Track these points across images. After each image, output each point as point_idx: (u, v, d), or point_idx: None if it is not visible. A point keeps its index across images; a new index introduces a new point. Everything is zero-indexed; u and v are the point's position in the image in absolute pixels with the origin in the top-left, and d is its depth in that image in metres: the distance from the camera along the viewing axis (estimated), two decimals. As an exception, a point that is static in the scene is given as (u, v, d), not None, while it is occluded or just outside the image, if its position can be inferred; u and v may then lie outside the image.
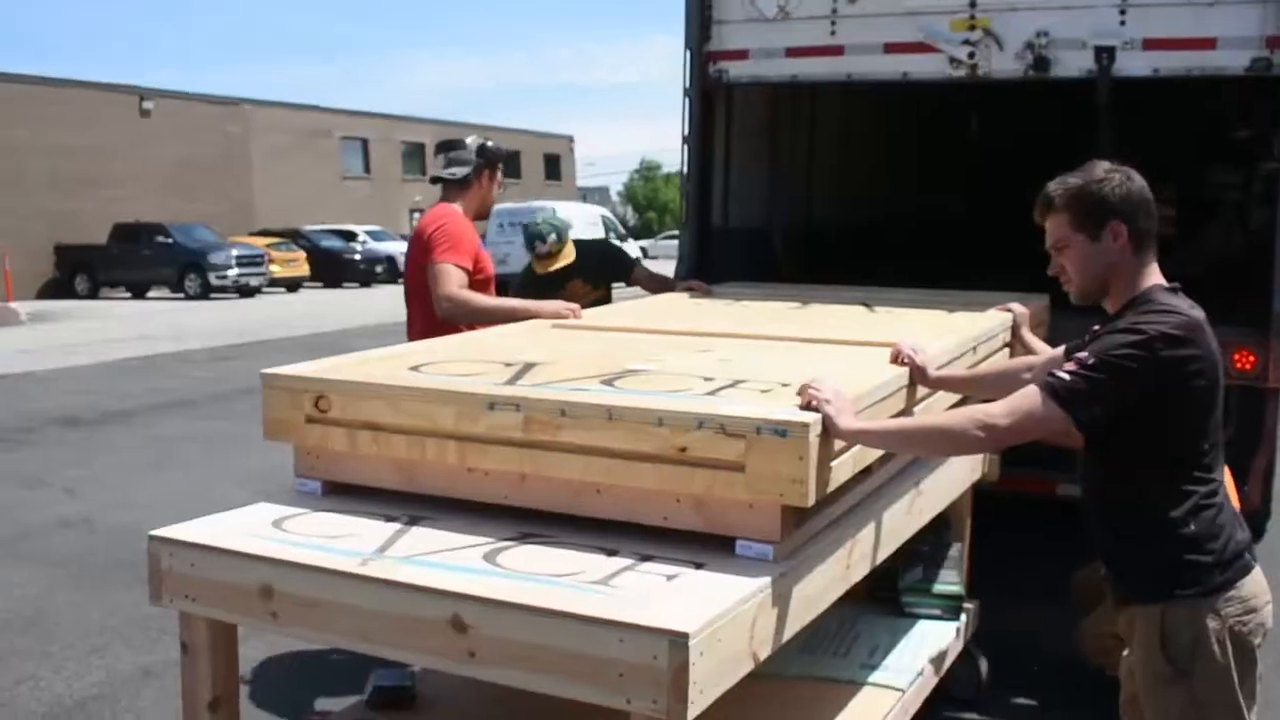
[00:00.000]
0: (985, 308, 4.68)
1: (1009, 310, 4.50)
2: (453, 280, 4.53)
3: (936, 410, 3.61)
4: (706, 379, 3.10)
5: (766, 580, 2.47)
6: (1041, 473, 5.13)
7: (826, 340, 3.97)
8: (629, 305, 5.23)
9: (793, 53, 6.09)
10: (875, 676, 3.80)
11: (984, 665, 4.54)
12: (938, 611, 4.25)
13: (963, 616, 4.28)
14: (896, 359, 3.36)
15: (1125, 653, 2.84)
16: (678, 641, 2.15)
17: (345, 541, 2.74)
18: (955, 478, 3.97)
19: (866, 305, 5.03)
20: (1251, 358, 5.18)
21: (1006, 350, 4.47)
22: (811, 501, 2.54)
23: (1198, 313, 2.72)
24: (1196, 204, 9.98)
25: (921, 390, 3.42)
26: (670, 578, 2.48)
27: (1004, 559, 5.24)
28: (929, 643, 4.07)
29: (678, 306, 5.16)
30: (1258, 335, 5.19)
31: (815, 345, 3.89)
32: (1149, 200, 2.79)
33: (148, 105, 37.30)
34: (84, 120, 34.91)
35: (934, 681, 3.95)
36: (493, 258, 20.79)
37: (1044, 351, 4.02)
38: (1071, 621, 4.29)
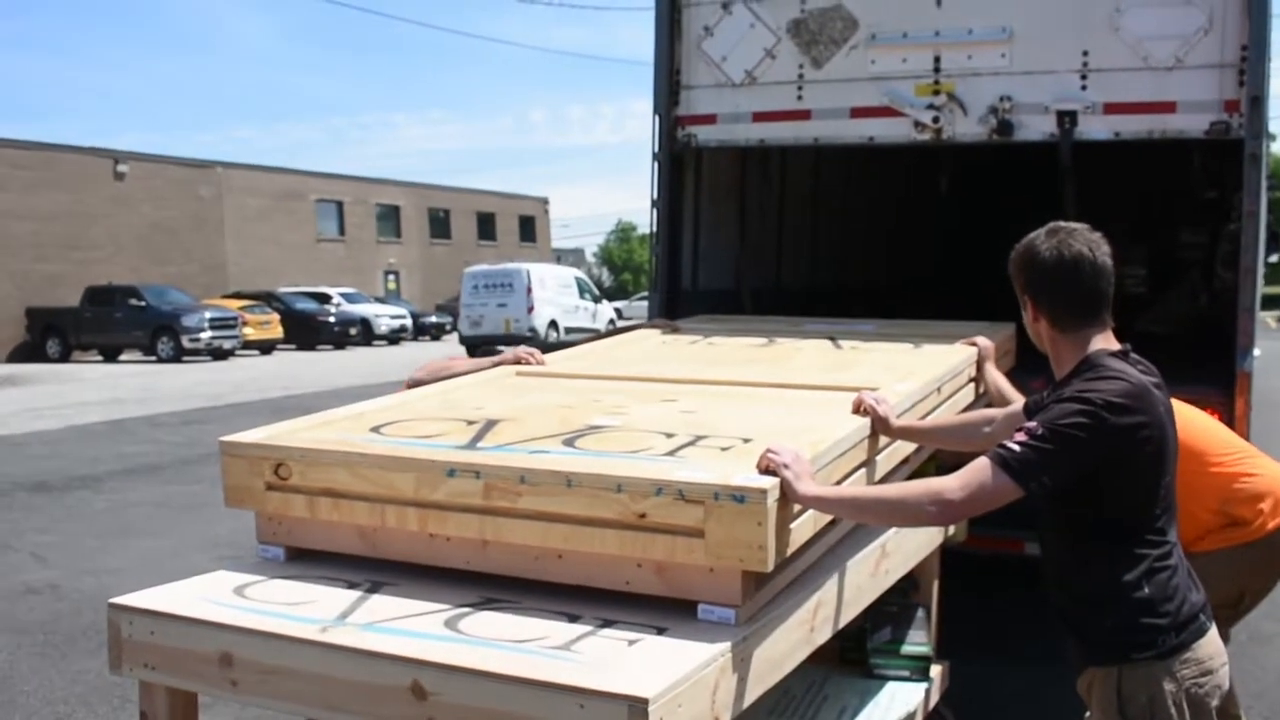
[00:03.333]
0: (951, 339, 4.70)
1: (974, 344, 4.53)
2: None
3: (898, 456, 3.63)
4: (668, 435, 3.11)
5: (727, 645, 2.46)
6: (1009, 532, 5.14)
7: (790, 385, 3.98)
8: (595, 348, 5.23)
9: (760, 117, 6.17)
10: (844, 740, 3.77)
11: (954, 727, 4.52)
12: (907, 672, 4.22)
13: (932, 677, 4.26)
14: (859, 409, 3.38)
15: (1087, 715, 2.84)
16: (637, 707, 2.15)
17: (306, 608, 2.73)
18: (922, 538, 3.96)
19: (832, 340, 5.05)
20: (1215, 415, 5.21)
21: (971, 386, 4.49)
22: (771, 567, 2.54)
23: (1146, 377, 2.73)
24: (1167, 264, 10.09)
25: (884, 440, 3.44)
26: (632, 643, 2.47)
27: (973, 619, 5.23)
28: (898, 704, 4.03)
29: (644, 348, 5.16)
30: (1222, 394, 5.23)
31: (779, 391, 3.90)
32: (1073, 270, 2.76)
33: (122, 168, 37.33)
34: (57, 183, 34.91)
35: (903, 744, 3.93)
36: (467, 319, 21.18)
37: (1007, 392, 4.06)
38: (1040, 681, 4.29)
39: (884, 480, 3.51)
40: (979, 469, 2.61)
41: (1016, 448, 2.59)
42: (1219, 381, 5.25)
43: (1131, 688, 2.68)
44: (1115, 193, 8.73)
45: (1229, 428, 5.14)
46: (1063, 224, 2.85)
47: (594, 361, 4.72)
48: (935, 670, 4.27)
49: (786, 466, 2.60)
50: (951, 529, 4.24)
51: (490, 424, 3.29)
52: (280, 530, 3.12)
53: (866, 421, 3.34)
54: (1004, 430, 3.05)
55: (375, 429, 3.27)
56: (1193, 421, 4.01)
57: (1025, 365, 5.01)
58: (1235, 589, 3.82)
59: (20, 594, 7.42)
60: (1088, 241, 2.77)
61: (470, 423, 3.32)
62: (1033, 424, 2.65)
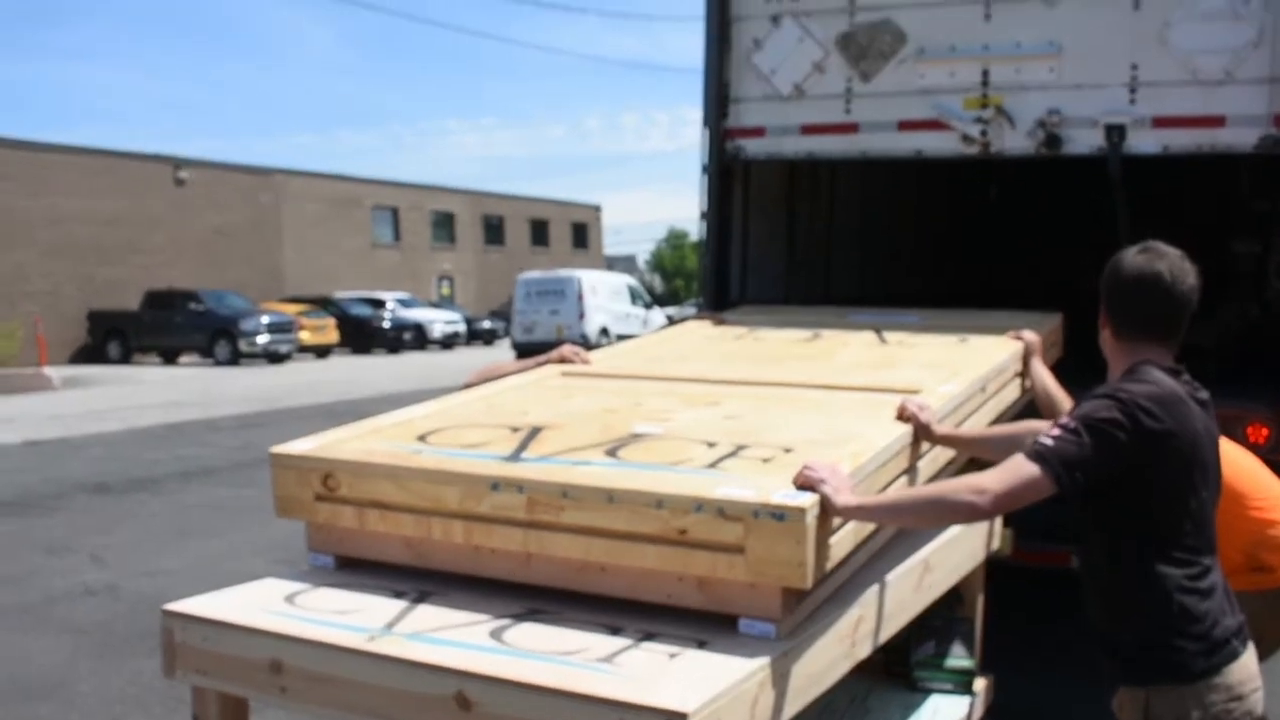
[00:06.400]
0: (998, 331, 4.71)
1: (1020, 339, 4.52)
2: None
3: (940, 461, 3.64)
4: (710, 445, 3.14)
5: (767, 660, 2.48)
6: (1055, 545, 5.12)
7: (833, 386, 3.99)
8: (641, 345, 5.26)
9: (808, 130, 6.18)
10: (885, 753, 3.79)
11: (998, 741, 4.51)
12: (950, 686, 4.22)
13: (976, 691, 4.26)
14: (902, 416, 3.40)
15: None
16: (676, 721, 2.18)
17: (354, 617, 2.78)
18: (966, 552, 3.97)
19: (877, 333, 5.06)
20: (1264, 430, 5.18)
21: (1017, 382, 4.49)
22: (810, 584, 2.57)
23: (1193, 392, 2.74)
24: (1218, 276, 9.94)
25: (925, 445, 3.46)
26: (672, 656, 2.50)
27: (1018, 634, 5.22)
28: (941, 718, 4.05)
29: (689, 344, 5.18)
30: (1270, 408, 5.19)
31: (822, 393, 3.92)
32: (1145, 288, 2.77)
33: (183, 175, 37.82)
34: (120, 189, 35.44)
35: (946, 758, 3.94)
36: (520, 326, 21.26)
37: (1053, 389, 4.08)
38: (1083, 696, 4.27)
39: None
40: (1015, 463, 2.62)
41: (1051, 442, 2.61)
42: (1267, 397, 5.21)
43: (1159, 711, 2.68)
44: (1165, 204, 8.65)
45: (1279, 443, 5.12)
46: (1157, 244, 2.85)
47: (639, 360, 4.73)
48: (979, 684, 4.27)
49: (824, 481, 2.62)
50: (996, 543, 4.25)
51: (534, 432, 3.33)
52: (330, 539, 3.18)
53: (909, 429, 3.34)
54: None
55: (422, 437, 3.33)
56: (1237, 462, 4.01)
57: (1073, 356, 5.02)
58: (1253, 633, 3.82)
59: (79, 595, 7.56)
60: (1172, 266, 2.77)
61: (515, 430, 3.37)
62: (1066, 419, 2.67)
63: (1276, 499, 4.14)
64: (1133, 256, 2.82)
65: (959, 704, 4.14)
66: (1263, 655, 3.97)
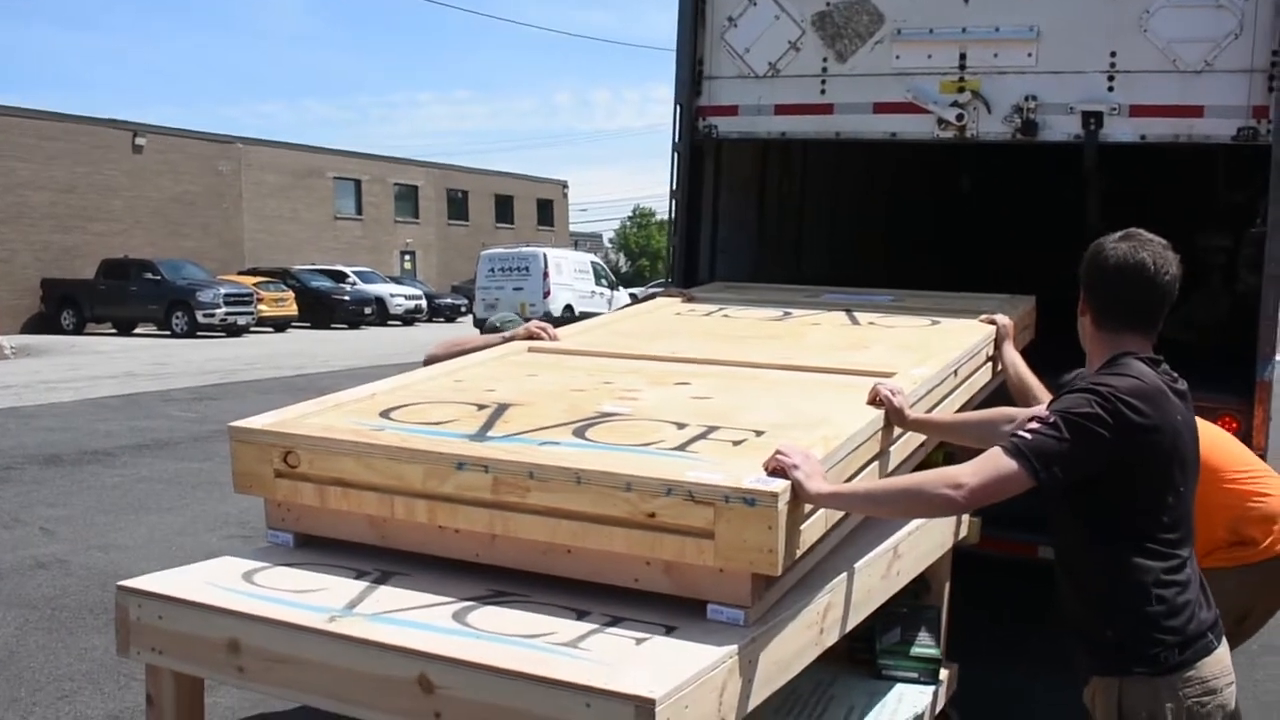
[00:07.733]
0: (970, 313, 4.69)
1: (992, 322, 4.49)
2: None
3: (911, 445, 3.60)
4: (679, 426, 3.09)
5: (735, 647, 2.45)
6: (1023, 535, 5.11)
7: (804, 368, 3.96)
8: (609, 321, 5.19)
9: (782, 110, 6.13)
10: (850, 740, 3.75)
11: (961, 729, 4.50)
12: (915, 674, 4.20)
13: (941, 679, 4.23)
14: (874, 400, 3.36)
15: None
16: (643, 708, 2.14)
17: (314, 597, 2.72)
18: (934, 540, 3.94)
19: (848, 313, 5.02)
20: (1234, 424, 5.17)
21: (989, 366, 4.46)
22: (780, 570, 2.53)
23: (1169, 385, 2.71)
24: (1190, 268, 9.98)
25: (898, 429, 3.42)
26: (639, 641, 2.46)
27: (984, 622, 5.20)
28: (906, 706, 4.01)
29: (658, 321, 5.14)
30: (1241, 402, 5.18)
31: (793, 374, 3.88)
32: (1128, 276, 2.73)
33: (140, 141, 37.36)
34: (76, 155, 34.99)
35: (909, 746, 3.91)
36: (482, 302, 21.13)
37: (1024, 374, 4.07)
38: (1048, 687, 4.26)
39: (895, 472, 3.49)
40: (993, 456, 2.59)
41: (1029, 436, 2.58)
42: (1238, 390, 5.20)
43: (1132, 702, 2.66)
44: (1139, 193, 8.65)
45: (1248, 437, 5.11)
46: (1140, 232, 2.81)
47: (607, 336, 4.69)
48: (944, 673, 4.25)
49: (796, 467, 2.58)
50: (964, 531, 4.22)
51: (500, 409, 3.28)
52: (289, 517, 3.11)
53: (881, 413, 3.32)
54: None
55: (385, 413, 3.27)
56: (1214, 438, 3.99)
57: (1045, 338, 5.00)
58: (1239, 608, 3.80)
59: (29, 568, 7.43)
60: (1155, 255, 2.73)
61: (481, 407, 3.31)
62: (1044, 412, 2.64)
63: (1255, 472, 4.13)
64: (1115, 244, 2.78)
65: (924, 692, 4.12)
66: (1248, 632, 3.97)
